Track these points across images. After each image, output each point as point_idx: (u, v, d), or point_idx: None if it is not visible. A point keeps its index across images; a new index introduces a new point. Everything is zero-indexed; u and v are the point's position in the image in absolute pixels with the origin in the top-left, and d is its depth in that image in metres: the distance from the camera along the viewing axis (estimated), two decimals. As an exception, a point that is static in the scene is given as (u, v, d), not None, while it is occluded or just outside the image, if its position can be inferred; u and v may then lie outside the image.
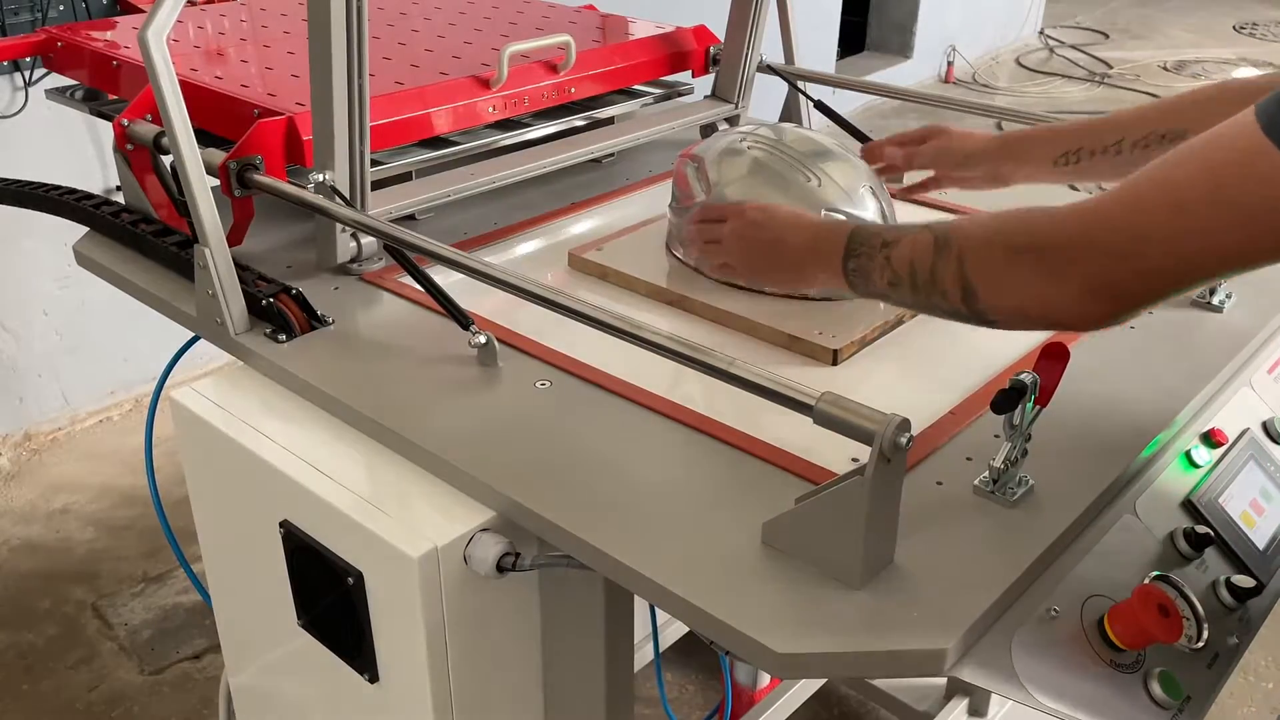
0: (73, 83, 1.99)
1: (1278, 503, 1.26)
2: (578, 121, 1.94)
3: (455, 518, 1.15)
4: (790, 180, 1.49)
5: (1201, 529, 1.14)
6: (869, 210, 1.49)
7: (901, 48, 6.90)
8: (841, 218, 1.47)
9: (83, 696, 2.44)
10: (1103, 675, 0.98)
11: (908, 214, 1.79)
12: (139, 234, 1.58)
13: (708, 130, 2.09)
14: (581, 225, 1.81)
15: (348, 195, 1.50)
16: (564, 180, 1.91)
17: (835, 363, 1.37)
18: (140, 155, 1.58)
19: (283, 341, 1.39)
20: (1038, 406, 1.05)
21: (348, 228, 1.53)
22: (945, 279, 1.05)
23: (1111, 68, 7.44)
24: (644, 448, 1.19)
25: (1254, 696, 2.48)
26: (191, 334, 1.52)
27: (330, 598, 1.26)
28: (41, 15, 2.85)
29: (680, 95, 2.10)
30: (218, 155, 1.46)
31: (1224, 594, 1.11)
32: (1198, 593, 1.10)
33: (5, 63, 2.81)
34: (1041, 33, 8.18)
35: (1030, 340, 1.41)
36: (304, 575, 1.30)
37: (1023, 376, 1.04)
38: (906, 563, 1.01)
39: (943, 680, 1.95)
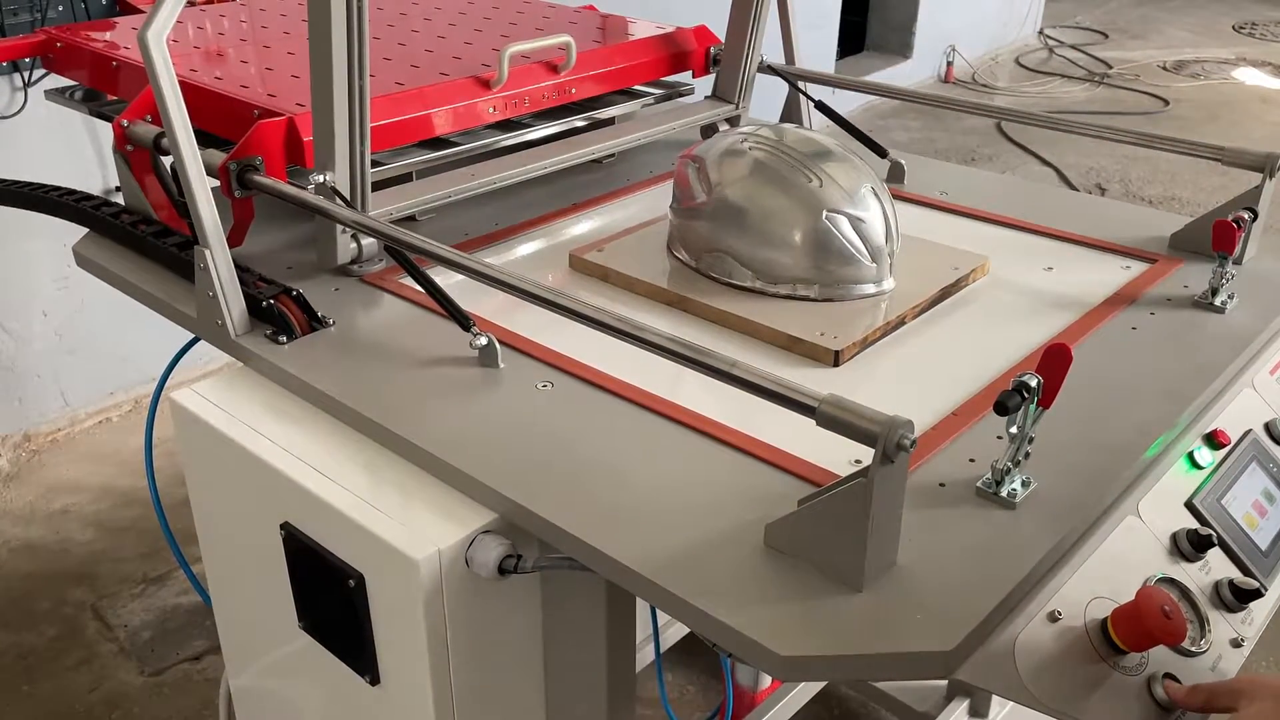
0: (72, 83, 1.99)
1: (1280, 504, 1.26)
2: (578, 122, 1.93)
3: (457, 519, 1.15)
4: (792, 181, 1.49)
5: (1204, 530, 1.14)
6: (871, 211, 1.49)
7: (901, 48, 6.90)
8: (843, 219, 1.47)
9: (83, 698, 2.43)
10: (1106, 677, 0.98)
11: (906, 215, 1.79)
12: (139, 235, 1.57)
13: (708, 130, 2.09)
14: (582, 226, 1.80)
15: (348, 196, 1.50)
16: (564, 181, 1.91)
17: (837, 364, 1.37)
18: (140, 156, 1.58)
19: (283, 343, 1.39)
20: (1041, 408, 1.05)
21: (348, 229, 1.52)
22: None
23: (1111, 68, 7.44)
24: (646, 449, 1.19)
25: (1255, 697, 2.48)
26: (191, 335, 1.52)
27: (331, 600, 1.26)
28: (41, 16, 2.85)
29: (681, 95, 2.09)
30: (218, 156, 1.45)
31: (1227, 595, 1.11)
32: (1201, 594, 1.10)
33: (4, 63, 2.81)
34: (1041, 33, 8.18)
35: (1032, 341, 1.41)
36: (305, 577, 1.30)
37: (1026, 378, 1.04)
38: (910, 564, 1.01)
39: (943, 681, 1.95)
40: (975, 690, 1.97)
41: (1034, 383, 1.03)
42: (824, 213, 1.47)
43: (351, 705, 1.35)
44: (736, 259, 1.51)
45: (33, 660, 2.53)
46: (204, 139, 1.44)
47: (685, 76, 2.09)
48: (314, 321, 1.42)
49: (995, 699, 2.04)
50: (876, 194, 1.51)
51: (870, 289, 1.50)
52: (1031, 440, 1.08)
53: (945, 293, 1.53)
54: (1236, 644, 1.08)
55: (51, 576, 2.79)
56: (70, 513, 3.02)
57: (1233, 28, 8.69)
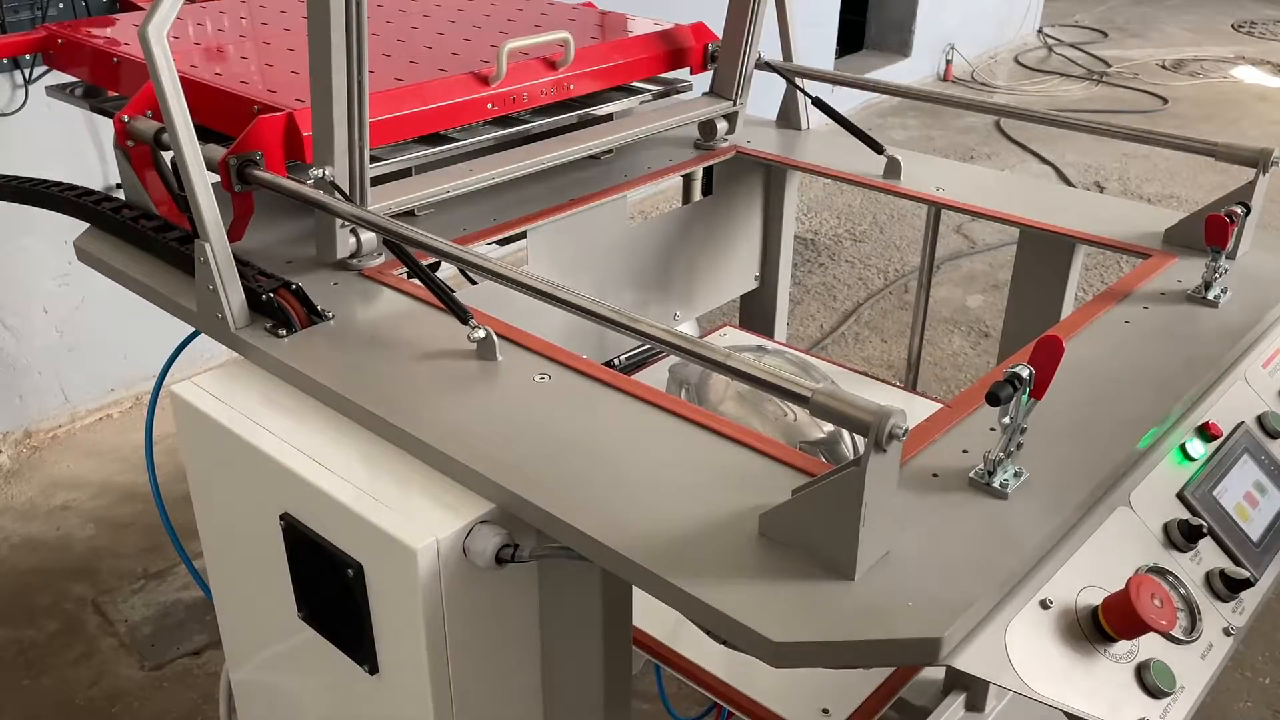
0: (73, 80, 2.00)
1: (1272, 496, 1.27)
2: (576, 118, 1.94)
3: (454, 510, 1.16)
4: (768, 415, 1.60)
5: (1195, 521, 1.15)
6: (842, 434, 1.59)
7: (900, 46, 6.91)
8: (815, 448, 1.57)
9: (83, 692, 2.44)
10: (1097, 665, 0.99)
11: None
12: (140, 229, 1.58)
13: (706, 127, 2.09)
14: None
15: (347, 191, 1.51)
16: (562, 176, 1.92)
17: None
18: (141, 151, 1.59)
19: (283, 336, 1.40)
20: (1033, 399, 1.06)
21: (347, 223, 1.53)
22: None
23: (1110, 66, 7.44)
24: (642, 440, 1.20)
25: (1250, 692, 2.49)
26: (190, 330, 1.53)
27: (330, 590, 1.27)
28: (41, 13, 2.86)
29: (678, 92, 2.10)
30: (218, 151, 1.46)
31: (1218, 585, 1.12)
32: (1191, 584, 1.11)
33: (5, 60, 2.82)
34: (1040, 31, 8.19)
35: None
36: (304, 568, 1.31)
37: (1018, 369, 1.04)
38: (902, 553, 1.02)
39: (940, 675, 1.96)
40: (972, 684, 1.98)
41: (1026, 374, 1.04)
42: (798, 443, 1.56)
43: (350, 695, 1.36)
44: None
45: (33, 655, 2.54)
46: (204, 134, 1.44)
47: (684, 73, 2.10)
48: (313, 315, 1.43)
49: (992, 693, 2.04)
50: None
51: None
52: (1024, 431, 1.09)
53: None
54: (1228, 633, 1.10)
55: (52, 572, 2.80)
56: (71, 509, 3.03)
57: (1232, 26, 8.70)
